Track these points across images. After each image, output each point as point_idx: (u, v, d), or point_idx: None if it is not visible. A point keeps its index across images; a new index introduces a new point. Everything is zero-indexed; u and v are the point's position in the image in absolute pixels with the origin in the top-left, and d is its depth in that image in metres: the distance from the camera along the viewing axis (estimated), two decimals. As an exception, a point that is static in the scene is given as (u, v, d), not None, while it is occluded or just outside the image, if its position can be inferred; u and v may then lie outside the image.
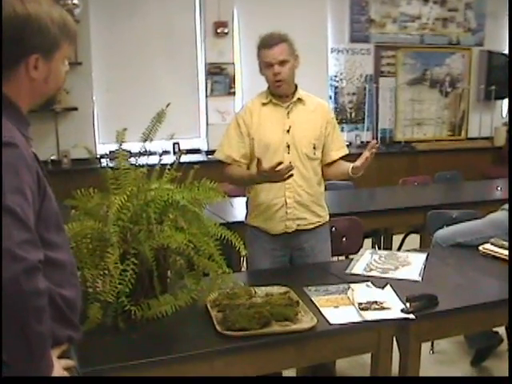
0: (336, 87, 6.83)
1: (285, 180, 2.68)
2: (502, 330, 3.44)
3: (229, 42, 6.16)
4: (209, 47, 6.10)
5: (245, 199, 3.11)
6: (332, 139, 2.98)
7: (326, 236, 3.09)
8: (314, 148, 2.92)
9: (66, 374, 1.45)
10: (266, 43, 2.82)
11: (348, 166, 2.88)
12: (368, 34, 6.84)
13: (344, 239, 3.54)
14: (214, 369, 2.00)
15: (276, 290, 2.40)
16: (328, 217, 3.09)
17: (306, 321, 2.12)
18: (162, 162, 2.57)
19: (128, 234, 2.13)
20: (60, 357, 1.46)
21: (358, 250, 3.24)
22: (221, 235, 2.33)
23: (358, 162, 2.78)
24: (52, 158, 5.35)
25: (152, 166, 2.51)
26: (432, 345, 3.61)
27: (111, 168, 2.38)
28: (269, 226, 2.95)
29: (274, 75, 2.81)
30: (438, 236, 3.25)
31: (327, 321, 2.15)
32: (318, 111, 2.95)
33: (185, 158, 6.01)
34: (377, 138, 6.94)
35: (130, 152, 5.60)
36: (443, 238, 3.21)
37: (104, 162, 5.42)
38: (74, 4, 5.23)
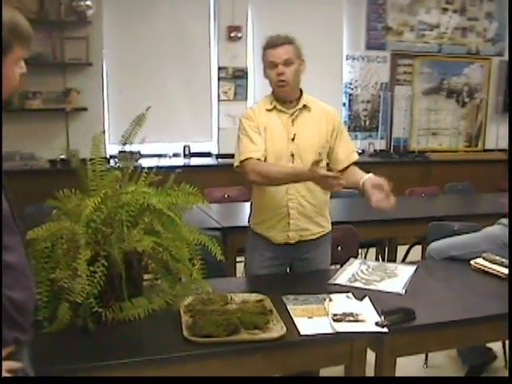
0: (350, 94, 6.79)
1: (333, 191, 2.61)
2: (496, 347, 3.37)
3: (242, 47, 6.16)
4: (222, 51, 6.11)
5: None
6: (340, 145, 2.88)
7: (327, 246, 3.03)
8: (320, 156, 2.82)
9: (8, 375, 1.44)
10: (272, 43, 2.75)
11: (360, 177, 2.72)
12: (384, 41, 6.80)
13: (339, 248, 3.50)
14: (181, 374, 1.98)
15: (253, 297, 2.38)
16: (330, 227, 3.03)
17: (276, 330, 2.10)
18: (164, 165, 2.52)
19: (100, 236, 2.13)
20: (6, 358, 1.46)
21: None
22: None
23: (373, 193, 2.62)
24: (61, 157, 5.39)
25: (150, 168, 2.47)
26: (426, 359, 3.56)
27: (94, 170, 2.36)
28: (270, 234, 2.88)
29: (277, 75, 2.72)
30: (432, 248, 3.19)
31: (298, 331, 2.12)
32: (324, 118, 2.84)
33: (196, 161, 6.10)
34: (390, 147, 6.89)
35: (138, 153, 5.66)
36: (437, 250, 3.16)
37: (112, 162, 5.47)
38: (86, 5, 5.29)
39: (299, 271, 2.95)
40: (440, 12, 6.95)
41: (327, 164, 2.89)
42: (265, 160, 2.76)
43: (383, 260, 4.62)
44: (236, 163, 2.80)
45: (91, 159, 2.30)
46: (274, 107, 2.82)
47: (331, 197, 3.03)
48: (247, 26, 6.18)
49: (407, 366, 3.45)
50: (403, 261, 4.64)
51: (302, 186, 2.78)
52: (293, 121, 2.81)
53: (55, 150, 5.29)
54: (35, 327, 1.99)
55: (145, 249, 2.06)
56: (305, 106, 2.82)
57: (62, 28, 5.50)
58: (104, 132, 5.68)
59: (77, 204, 2.26)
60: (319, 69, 6.31)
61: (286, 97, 2.81)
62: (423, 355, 3.57)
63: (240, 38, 6.09)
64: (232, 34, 6.04)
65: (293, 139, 2.79)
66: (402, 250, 4.75)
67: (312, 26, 6.31)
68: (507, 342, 3.32)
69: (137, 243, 2.06)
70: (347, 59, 6.71)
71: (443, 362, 3.59)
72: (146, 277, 2.39)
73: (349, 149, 2.93)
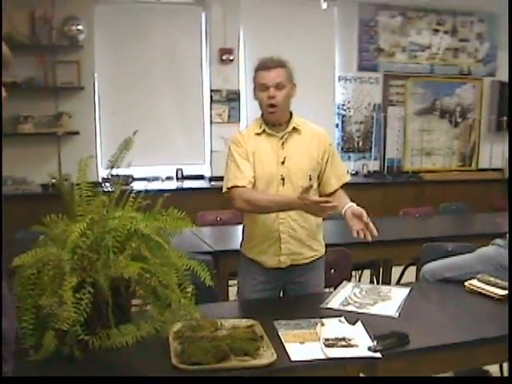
0: (343, 116, 6.80)
1: (326, 214, 2.60)
2: (493, 368, 3.33)
3: (234, 69, 6.17)
4: (214, 73, 6.12)
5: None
6: (331, 167, 2.85)
7: (321, 270, 2.99)
8: (310, 179, 2.78)
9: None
10: (264, 65, 2.72)
11: (342, 206, 2.70)
12: (377, 62, 6.83)
13: (332, 271, 3.47)
14: (168, 403, 1.94)
15: (244, 322, 2.33)
16: (324, 250, 2.99)
17: (266, 356, 2.05)
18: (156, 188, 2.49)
19: (86, 263, 2.09)
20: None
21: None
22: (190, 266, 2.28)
23: (353, 223, 2.64)
24: (53, 181, 5.35)
25: (138, 192, 2.43)
26: (422, 382, 3.49)
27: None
28: (262, 259, 2.84)
29: (268, 98, 2.69)
30: (426, 270, 3.15)
31: (289, 357, 2.08)
32: (315, 140, 2.81)
33: (188, 184, 6.07)
34: (384, 168, 6.88)
35: (131, 177, 5.62)
36: (430, 272, 3.12)
37: (104, 186, 5.44)
38: (78, 30, 5.30)
39: (292, 295, 2.91)
40: (431, 33, 7.00)
41: (318, 185, 2.86)
42: (253, 186, 2.74)
43: (378, 282, 4.58)
44: (224, 189, 2.78)
45: (78, 184, 2.26)
46: (264, 131, 2.79)
47: (323, 219, 2.99)
48: (239, 48, 6.20)
49: None
50: (398, 282, 4.61)
51: None
52: (282, 144, 2.78)
53: (47, 175, 5.26)
54: (20, 356, 1.98)
55: (131, 275, 2.02)
56: (294, 129, 2.79)
57: (54, 52, 5.51)
58: (96, 156, 5.68)
59: (63, 229, 2.23)
60: (312, 90, 6.33)
61: (275, 120, 2.78)
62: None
63: (232, 60, 6.11)
64: (224, 57, 6.06)
65: (283, 162, 2.76)
66: (397, 271, 4.71)
67: (304, 48, 6.35)
68: (504, 365, 3.28)
69: (123, 269, 2.02)
70: (340, 80, 6.74)
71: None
72: (135, 301, 2.35)
73: (340, 171, 2.91)
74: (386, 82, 6.88)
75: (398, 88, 6.94)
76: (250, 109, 6.23)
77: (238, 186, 2.70)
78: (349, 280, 3.39)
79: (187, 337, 2.16)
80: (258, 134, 2.79)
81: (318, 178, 2.85)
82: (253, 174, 2.73)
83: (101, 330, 2.10)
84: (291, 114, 2.83)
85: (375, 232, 2.60)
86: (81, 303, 2.00)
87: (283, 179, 2.75)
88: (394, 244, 4.22)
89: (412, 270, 4.64)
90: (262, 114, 2.82)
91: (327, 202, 2.48)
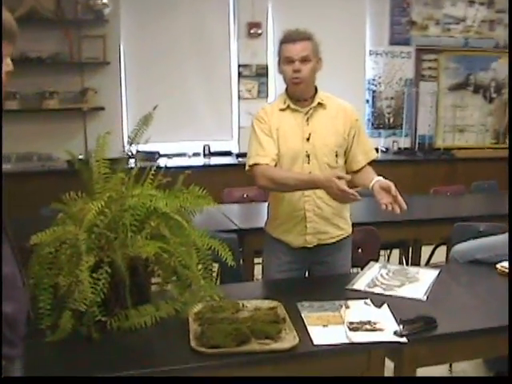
0: (374, 91, 6.64)
1: (345, 203, 2.57)
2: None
3: (262, 44, 6.06)
4: (242, 48, 6.01)
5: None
6: (358, 144, 2.75)
7: (347, 250, 2.91)
8: (337, 156, 2.70)
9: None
10: (290, 38, 2.62)
11: (370, 181, 2.61)
12: (409, 36, 6.63)
13: (359, 250, 3.38)
14: (187, 386, 1.89)
15: (266, 304, 2.27)
16: (351, 229, 2.91)
17: (288, 340, 1.99)
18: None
19: (103, 242, 2.04)
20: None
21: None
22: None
23: (381, 196, 2.52)
24: (80, 157, 5.33)
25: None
26: (450, 365, 3.41)
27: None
28: (287, 239, 2.78)
29: (293, 71, 2.59)
30: (456, 251, 3.05)
31: (311, 341, 2.01)
32: (341, 115, 2.72)
33: (215, 160, 6.01)
34: (415, 144, 6.73)
35: (157, 153, 5.59)
36: (461, 253, 3.01)
37: (132, 162, 5.41)
38: (103, 3, 5.24)
39: (318, 275, 2.84)
40: (466, 5, 6.75)
41: (345, 162, 2.77)
42: (278, 163, 2.66)
43: (407, 262, 4.49)
44: (246, 167, 2.71)
45: (96, 161, 2.21)
46: (288, 106, 2.70)
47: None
48: (267, 22, 6.08)
49: (431, 372, 3.33)
50: (427, 262, 4.51)
51: None
52: (307, 119, 2.69)
53: (74, 151, 5.24)
54: (37, 336, 1.95)
55: (148, 255, 1.97)
56: (320, 104, 2.70)
57: (79, 27, 5.46)
58: (122, 131, 5.64)
59: (81, 208, 2.18)
60: (341, 65, 6.19)
61: (300, 95, 2.69)
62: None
63: (260, 34, 5.99)
64: (252, 31, 5.95)
65: (308, 139, 2.67)
66: (426, 251, 4.60)
67: (334, 22, 6.20)
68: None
69: (140, 249, 1.97)
70: (370, 55, 6.57)
71: (468, 368, 3.45)
72: (156, 280, 2.31)
73: (367, 148, 2.81)
74: (418, 56, 6.68)
75: (430, 62, 6.74)
76: (278, 84, 6.11)
77: (260, 164, 2.63)
78: (377, 260, 3.30)
79: (207, 318, 2.10)
80: (283, 110, 2.71)
81: (345, 154, 2.76)
82: (276, 151, 2.66)
83: (119, 310, 2.06)
84: (316, 88, 2.73)
85: (404, 205, 2.48)
86: (98, 283, 1.96)
87: (308, 156, 2.67)
88: (423, 223, 4.12)
89: (442, 249, 4.52)
90: (287, 89, 2.73)
91: (354, 195, 2.41)
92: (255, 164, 2.64)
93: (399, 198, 2.48)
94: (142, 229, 2.10)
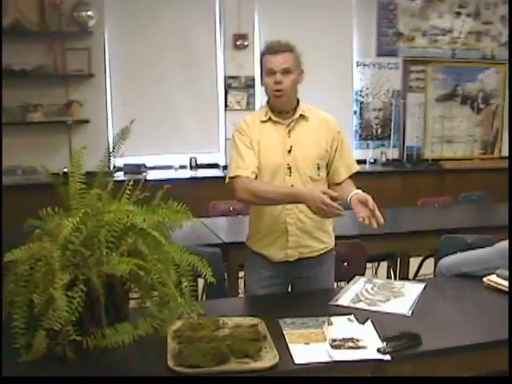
0: (361, 102, 6.64)
1: (326, 217, 2.53)
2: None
3: (249, 55, 6.04)
4: (228, 60, 5.99)
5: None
6: (340, 156, 2.73)
7: (330, 264, 2.88)
8: (319, 168, 2.68)
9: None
10: (272, 49, 2.61)
11: (348, 194, 2.58)
12: (396, 47, 6.65)
13: (345, 264, 3.34)
14: (165, 407, 1.84)
15: (247, 321, 2.22)
16: (333, 243, 2.87)
17: (268, 358, 1.93)
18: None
19: (78, 259, 1.99)
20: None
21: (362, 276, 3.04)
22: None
23: (359, 210, 2.50)
24: (64, 170, 5.28)
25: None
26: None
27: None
28: (268, 253, 2.74)
29: (274, 83, 2.57)
30: (443, 264, 3.00)
31: (292, 359, 1.96)
32: (323, 127, 2.70)
33: (202, 173, 5.97)
34: (403, 156, 6.72)
35: (143, 165, 5.53)
36: (447, 266, 2.97)
37: (117, 175, 5.34)
38: (88, 16, 5.20)
39: (300, 290, 2.80)
40: (453, 16, 6.78)
41: (327, 174, 2.75)
42: (256, 177, 2.62)
43: (395, 274, 4.45)
44: (227, 179, 2.67)
45: (72, 176, 2.16)
46: (269, 118, 2.67)
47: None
48: (254, 33, 6.07)
49: None
50: (416, 275, 4.48)
51: None
52: (289, 132, 2.66)
53: (59, 164, 5.19)
54: (12, 356, 1.90)
55: (123, 273, 1.91)
56: (302, 116, 2.68)
57: (64, 39, 5.43)
58: (108, 145, 5.59)
59: (58, 223, 2.13)
60: (329, 76, 6.19)
61: (282, 107, 2.66)
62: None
63: (246, 46, 5.98)
64: (238, 43, 5.93)
65: (289, 151, 2.64)
66: (415, 263, 4.57)
67: (321, 33, 6.21)
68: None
69: (115, 267, 1.91)
70: (358, 66, 6.58)
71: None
72: (136, 296, 2.25)
73: (349, 161, 2.79)
74: (405, 67, 6.70)
75: (418, 74, 6.75)
76: (264, 95, 6.09)
77: (240, 176, 2.59)
78: (363, 274, 3.27)
79: (186, 337, 2.05)
80: (264, 122, 2.68)
81: (327, 167, 2.72)
82: (257, 163, 2.62)
83: (95, 329, 2.00)
84: (298, 101, 2.71)
85: (381, 220, 2.45)
86: (73, 302, 1.90)
87: (290, 168, 2.64)
88: (411, 235, 4.09)
89: (431, 261, 4.49)
90: (268, 101, 2.70)
91: (339, 209, 2.39)
92: (235, 176, 2.61)
93: (377, 211, 2.45)
94: (118, 245, 2.05)
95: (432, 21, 6.72)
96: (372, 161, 6.58)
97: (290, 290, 2.86)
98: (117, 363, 1.98)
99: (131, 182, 2.23)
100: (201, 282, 2.80)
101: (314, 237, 2.73)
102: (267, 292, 2.74)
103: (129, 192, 2.21)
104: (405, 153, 6.72)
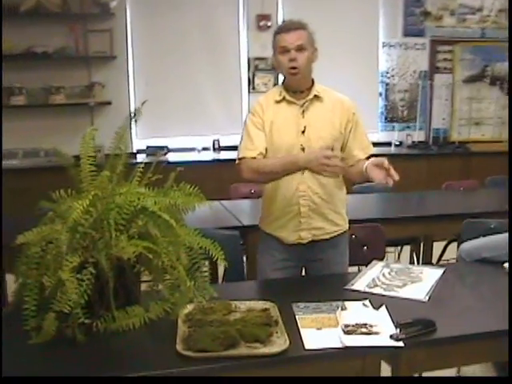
0: (387, 84, 6.53)
1: (330, 173, 2.50)
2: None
3: (272, 36, 5.95)
4: (251, 41, 5.93)
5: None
6: (354, 138, 2.70)
7: (344, 247, 2.85)
8: (332, 150, 2.62)
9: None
10: (285, 28, 2.61)
11: (362, 164, 2.57)
12: (423, 27, 6.51)
13: (365, 248, 3.30)
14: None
15: (260, 305, 2.20)
16: (347, 225, 2.84)
17: (278, 343, 1.91)
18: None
19: (88, 242, 1.98)
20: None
21: (382, 260, 3.00)
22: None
23: (375, 174, 2.48)
24: (88, 152, 5.31)
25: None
26: (458, 369, 3.32)
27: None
28: (281, 234, 2.73)
29: (289, 61, 2.55)
30: (463, 250, 2.95)
31: (303, 345, 1.93)
32: (337, 108, 2.67)
33: (225, 155, 5.94)
34: (429, 138, 6.60)
35: (166, 148, 5.55)
36: (468, 251, 2.91)
37: (139, 157, 5.33)
38: (109, -3, 5.18)
39: (314, 273, 2.78)
40: (483, -7, 6.60)
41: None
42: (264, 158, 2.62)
43: (418, 259, 4.39)
44: (236, 161, 2.67)
45: (82, 158, 2.15)
46: (284, 98, 2.65)
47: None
48: (277, 14, 5.99)
49: (439, 374, 3.24)
50: (439, 259, 4.40)
51: (314, 181, 2.62)
52: (303, 112, 2.64)
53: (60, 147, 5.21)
54: (22, 338, 1.90)
55: (130, 256, 1.90)
56: (316, 97, 2.65)
57: (85, 21, 5.44)
58: (130, 126, 5.60)
59: (69, 206, 2.13)
60: (354, 58, 6.09)
61: (297, 86, 2.64)
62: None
63: (270, 27, 5.90)
64: (261, 23, 5.86)
65: (303, 132, 2.62)
66: (439, 247, 4.50)
67: (346, 13, 6.11)
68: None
69: (122, 250, 1.90)
70: (383, 47, 6.46)
71: (477, 371, 3.34)
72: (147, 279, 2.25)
73: (364, 143, 2.74)
74: (432, 47, 6.56)
75: (445, 54, 6.61)
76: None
77: (246, 158, 2.61)
78: (382, 258, 3.22)
79: (196, 320, 2.03)
80: (278, 102, 2.66)
81: (342, 149, 2.68)
82: (265, 145, 2.62)
83: (104, 312, 2.00)
84: (313, 81, 2.67)
85: (395, 177, 2.41)
86: (82, 284, 1.90)
87: (303, 149, 2.62)
88: (433, 219, 4.01)
89: (454, 246, 4.41)
90: (283, 81, 2.68)
91: (343, 158, 2.49)
92: (243, 157, 2.62)
93: (392, 170, 2.42)
94: (129, 228, 2.04)
95: (461, -1, 6.56)
96: (397, 143, 6.49)
97: (303, 273, 2.83)
98: (126, 346, 1.97)
99: (142, 165, 2.21)
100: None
101: (327, 219, 2.71)
102: (280, 275, 2.73)
103: (139, 174, 2.19)
104: (431, 135, 6.60)
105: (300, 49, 2.55)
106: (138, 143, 5.73)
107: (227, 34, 5.95)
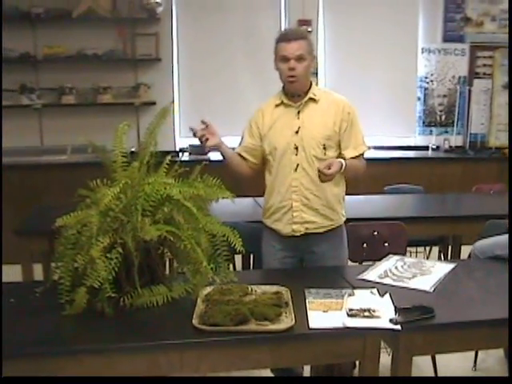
0: (426, 89, 6.59)
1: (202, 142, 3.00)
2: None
3: (313, 41, 6.10)
4: (292, 46, 6.09)
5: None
6: (349, 137, 2.87)
7: (339, 241, 3.02)
8: (325, 148, 2.83)
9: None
10: (285, 37, 2.79)
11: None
12: (463, 33, 6.54)
13: (386, 244, 3.44)
14: (184, 360, 2.03)
15: (274, 289, 2.39)
16: (343, 220, 3.01)
17: (285, 322, 2.10)
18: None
19: (117, 225, 2.21)
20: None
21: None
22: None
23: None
24: (132, 149, 5.57)
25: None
26: (475, 362, 3.43)
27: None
28: (278, 227, 2.95)
29: (288, 70, 2.75)
30: (477, 247, 3.07)
31: (308, 324, 2.11)
32: (332, 109, 2.84)
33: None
34: (467, 143, 6.65)
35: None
36: (481, 249, 3.03)
37: (181, 155, 5.58)
38: (156, 2, 5.44)
39: (310, 265, 2.96)
40: (525, 0, 6.60)
41: (337, 156, 2.87)
42: (272, 156, 2.90)
43: (446, 259, 4.48)
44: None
45: (114, 151, 2.39)
46: (282, 102, 2.88)
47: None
48: (318, 19, 6.14)
49: (455, 368, 3.36)
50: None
51: (307, 178, 2.83)
52: (298, 113, 2.84)
53: (127, 144, 5.48)
54: (57, 310, 2.15)
55: (152, 238, 2.12)
56: (311, 99, 2.84)
57: (133, 25, 5.72)
58: (173, 126, 5.87)
59: (103, 194, 2.36)
60: (393, 62, 6.19)
61: (294, 91, 2.85)
62: (473, 357, 3.44)
63: (310, 32, 6.05)
64: (302, 28, 6.01)
65: (297, 132, 2.83)
66: (468, 250, 4.57)
67: (386, 19, 6.19)
68: None
69: (146, 233, 2.12)
70: (423, 52, 6.52)
71: (493, 364, 3.45)
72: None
73: (358, 142, 2.90)
74: (472, 53, 6.59)
75: (485, 60, 6.63)
76: (328, 80, 6.15)
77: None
78: (403, 255, 3.35)
79: (214, 300, 2.24)
80: (277, 106, 2.90)
81: (338, 147, 2.89)
82: (249, 151, 3.01)
83: (130, 289, 2.23)
84: (311, 84, 2.88)
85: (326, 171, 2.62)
86: (110, 263, 2.13)
87: (296, 148, 2.83)
88: (456, 220, 4.09)
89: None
90: (283, 86, 2.90)
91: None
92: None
93: (328, 171, 2.62)
94: (155, 214, 2.26)
95: (502, 5, 6.55)
96: (434, 147, 6.55)
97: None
98: (149, 320, 2.18)
99: (169, 157, 2.44)
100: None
101: (320, 213, 2.89)
102: (280, 264, 2.94)
103: (166, 167, 2.42)
104: (469, 140, 6.64)
105: (299, 58, 2.74)
106: (181, 142, 5.98)
107: (269, 39, 6.09)
